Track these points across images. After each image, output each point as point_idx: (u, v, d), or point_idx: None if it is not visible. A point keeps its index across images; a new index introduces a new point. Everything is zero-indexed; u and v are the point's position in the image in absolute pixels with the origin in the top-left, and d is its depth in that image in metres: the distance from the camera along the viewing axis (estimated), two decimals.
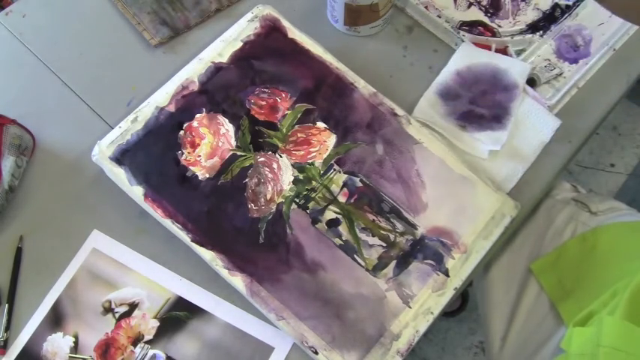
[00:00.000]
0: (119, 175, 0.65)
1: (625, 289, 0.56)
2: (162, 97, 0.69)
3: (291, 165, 0.67)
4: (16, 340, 0.64)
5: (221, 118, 0.69)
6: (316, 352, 0.60)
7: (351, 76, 0.71)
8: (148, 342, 0.64)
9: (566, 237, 0.72)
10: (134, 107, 0.69)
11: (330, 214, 0.65)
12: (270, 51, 0.72)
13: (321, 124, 0.69)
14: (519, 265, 0.74)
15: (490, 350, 0.75)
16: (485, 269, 0.78)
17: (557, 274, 0.70)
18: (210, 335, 0.64)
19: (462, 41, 0.74)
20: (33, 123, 0.71)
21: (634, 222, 0.70)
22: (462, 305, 1.34)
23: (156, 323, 0.64)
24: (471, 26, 0.76)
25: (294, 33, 0.72)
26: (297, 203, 0.66)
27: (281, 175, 0.67)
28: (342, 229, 0.65)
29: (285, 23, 0.73)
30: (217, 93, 0.70)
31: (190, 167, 0.67)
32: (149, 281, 0.66)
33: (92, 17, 0.78)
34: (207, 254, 0.63)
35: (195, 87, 0.70)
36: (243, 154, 0.68)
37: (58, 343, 0.64)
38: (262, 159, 0.67)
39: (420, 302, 0.62)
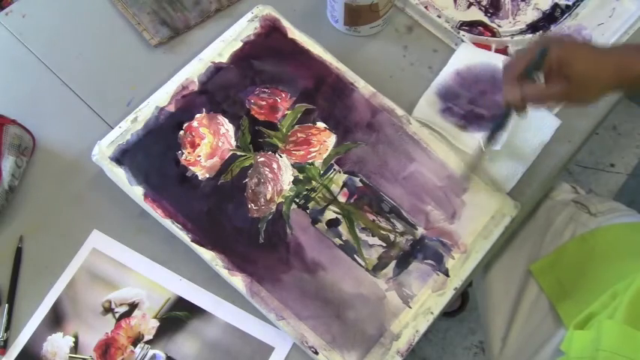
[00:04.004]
0: (119, 175, 0.65)
1: (625, 291, 0.56)
2: (162, 97, 0.69)
3: (291, 165, 0.67)
4: (16, 340, 0.64)
5: (221, 118, 0.69)
6: (316, 352, 0.60)
7: (351, 76, 0.71)
8: (148, 342, 0.63)
9: (565, 238, 0.72)
10: (134, 107, 0.69)
11: (330, 214, 0.65)
12: (270, 51, 0.72)
13: (321, 124, 0.69)
14: (519, 266, 0.74)
15: (490, 351, 0.75)
16: (485, 270, 0.78)
17: (556, 275, 0.70)
18: (210, 335, 0.64)
19: (462, 41, 0.74)
20: (33, 123, 0.71)
21: (633, 223, 0.70)
22: (462, 305, 1.34)
23: (156, 323, 0.64)
24: (470, 26, 0.76)
25: (294, 33, 0.72)
26: (297, 203, 0.66)
27: (281, 175, 0.67)
28: (342, 229, 0.65)
29: (285, 23, 0.73)
30: (217, 93, 0.70)
31: (190, 167, 0.67)
32: (149, 281, 0.66)
33: (92, 17, 0.78)
34: (207, 254, 0.63)
35: (195, 87, 0.70)
36: (243, 154, 0.68)
37: (58, 343, 0.64)
38: (262, 159, 0.67)
39: (420, 302, 0.62)
